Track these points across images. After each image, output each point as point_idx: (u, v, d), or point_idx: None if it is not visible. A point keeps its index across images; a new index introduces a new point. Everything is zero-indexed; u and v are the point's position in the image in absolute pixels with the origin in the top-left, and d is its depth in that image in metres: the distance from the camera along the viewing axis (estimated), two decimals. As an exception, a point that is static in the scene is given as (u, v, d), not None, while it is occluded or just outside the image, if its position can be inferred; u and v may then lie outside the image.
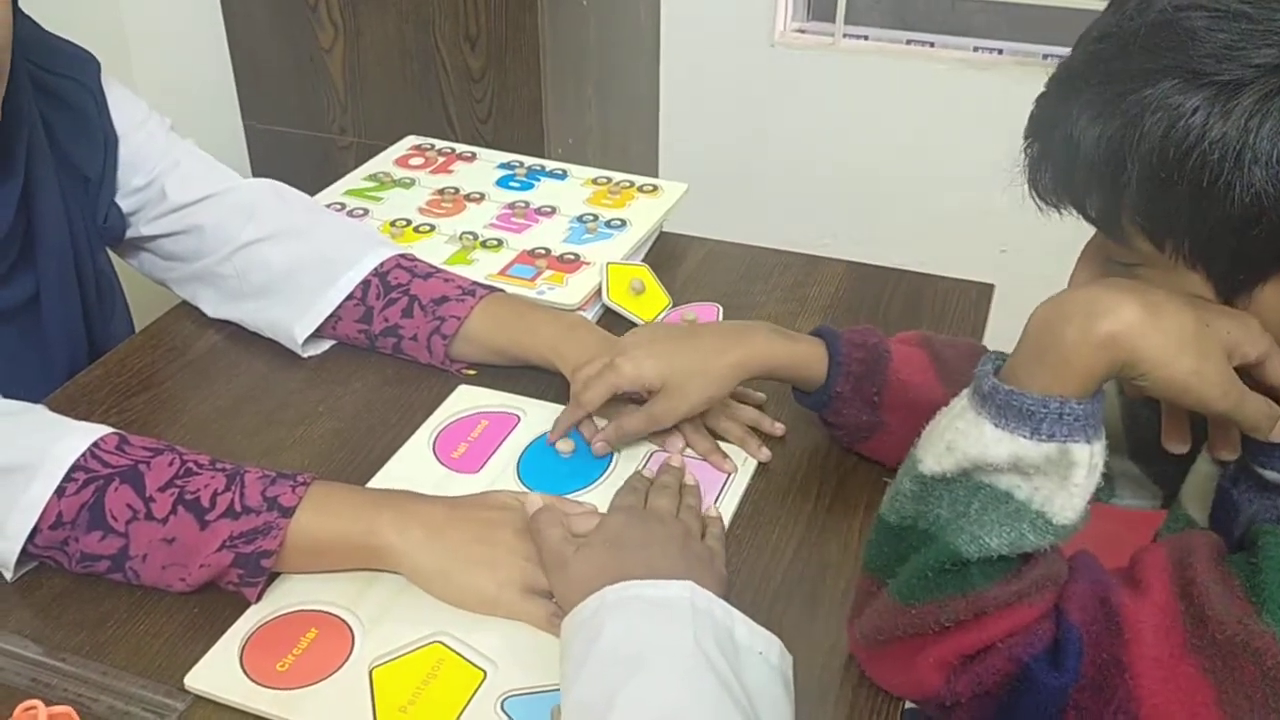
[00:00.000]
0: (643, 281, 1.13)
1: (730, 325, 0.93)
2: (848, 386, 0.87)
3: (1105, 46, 0.63)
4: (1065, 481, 0.62)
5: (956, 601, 0.63)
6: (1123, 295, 0.61)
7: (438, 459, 0.92)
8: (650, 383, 0.88)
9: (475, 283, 1.05)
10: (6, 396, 0.87)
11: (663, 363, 0.88)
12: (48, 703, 0.57)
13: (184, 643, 0.76)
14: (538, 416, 0.97)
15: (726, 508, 0.87)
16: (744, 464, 0.92)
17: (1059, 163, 0.65)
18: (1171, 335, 0.60)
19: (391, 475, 0.90)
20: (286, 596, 0.79)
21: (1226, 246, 0.61)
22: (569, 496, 0.87)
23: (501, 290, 1.06)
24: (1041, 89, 0.68)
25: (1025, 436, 0.61)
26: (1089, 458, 0.62)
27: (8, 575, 0.80)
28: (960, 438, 0.63)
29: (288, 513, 0.77)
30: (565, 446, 0.93)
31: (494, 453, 0.93)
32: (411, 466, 0.91)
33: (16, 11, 0.90)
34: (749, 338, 0.89)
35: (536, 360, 1.00)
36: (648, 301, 1.12)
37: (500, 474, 0.91)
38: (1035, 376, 0.62)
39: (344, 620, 0.77)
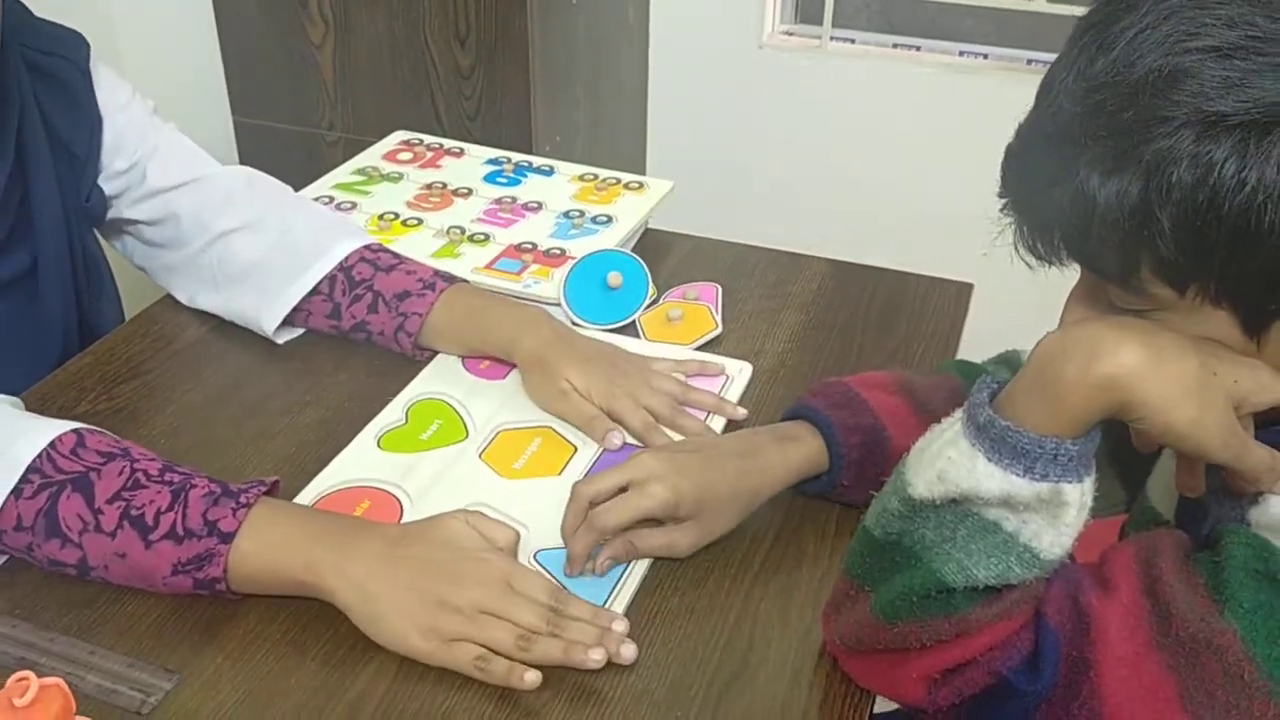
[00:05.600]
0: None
1: (739, 444, 0.85)
2: (850, 475, 0.84)
3: (1105, 98, 0.60)
4: (1055, 520, 0.62)
5: (940, 623, 0.64)
6: (1126, 336, 0.60)
7: (466, 371, 1.03)
8: (686, 512, 0.81)
9: (436, 273, 1.05)
10: (1, 373, 0.88)
11: (697, 491, 0.80)
12: (39, 675, 0.59)
13: (172, 623, 0.77)
14: None
15: None
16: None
17: (1068, 222, 0.62)
18: (1173, 382, 0.59)
19: (429, 378, 1.01)
20: (336, 475, 0.90)
21: (1260, 281, 0.60)
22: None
23: (464, 281, 1.07)
24: (1012, 144, 0.66)
25: (1018, 475, 0.61)
26: (1080, 496, 0.62)
27: None
28: (952, 468, 0.63)
29: (227, 539, 0.76)
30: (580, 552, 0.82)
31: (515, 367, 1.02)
32: (442, 378, 1.02)
33: None
34: (762, 458, 0.84)
35: (496, 352, 1.01)
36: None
37: (520, 384, 1.00)
38: (1031, 410, 0.61)
39: (393, 494, 0.88)
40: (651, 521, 0.82)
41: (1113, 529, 0.84)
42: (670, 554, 0.82)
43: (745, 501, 0.83)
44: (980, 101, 2.11)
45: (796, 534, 0.86)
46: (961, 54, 2.20)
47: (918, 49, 2.22)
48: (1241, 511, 0.65)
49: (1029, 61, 2.15)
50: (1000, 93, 2.09)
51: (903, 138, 2.21)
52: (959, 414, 0.65)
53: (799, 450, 0.85)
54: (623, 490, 0.81)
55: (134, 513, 0.77)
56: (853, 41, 2.24)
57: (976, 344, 1.11)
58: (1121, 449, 0.74)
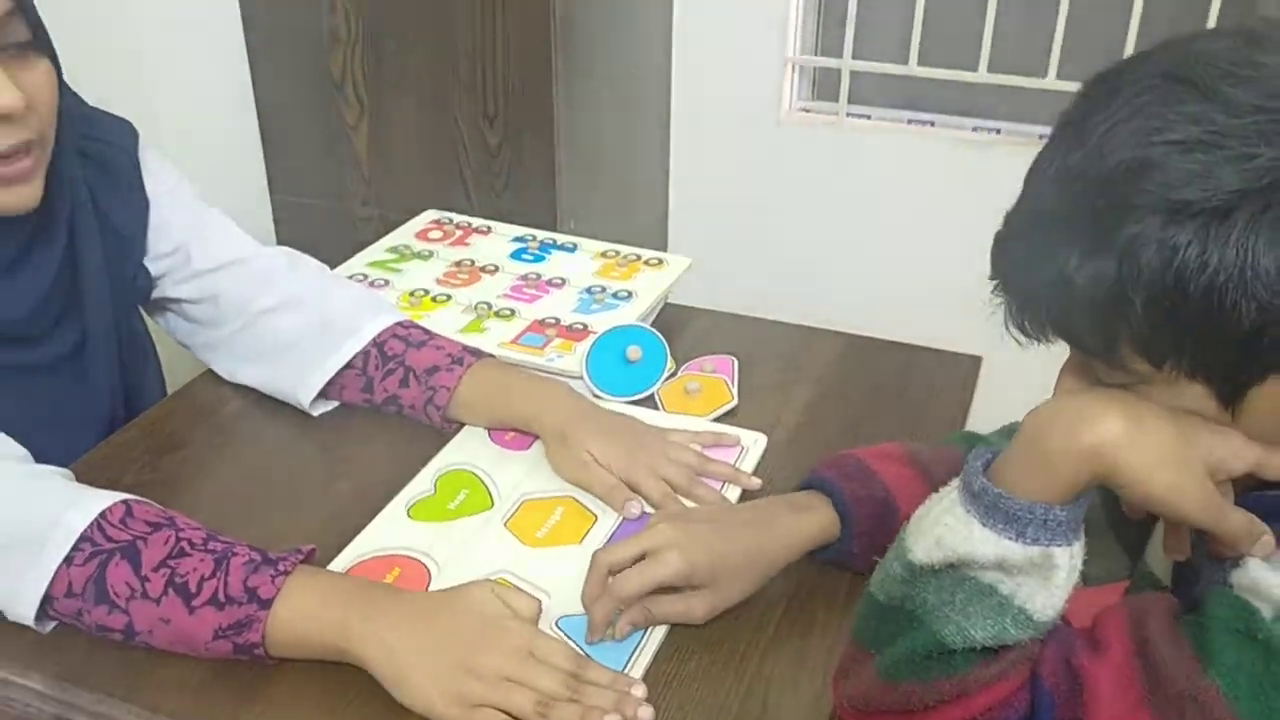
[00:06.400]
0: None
1: (754, 513, 0.90)
2: (861, 544, 0.88)
3: (1082, 186, 0.64)
4: (1047, 582, 0.65)
5: (941, 683, 0.67)
6: (1109, 408, 0.64)
7: (492, 442, 1.07)
8: (701, 580, 0.84)
9: (465, 348, 1.10)
10: (50, 445, 0.92)
11: (711, 560, 0.84)
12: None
13: (212, 685, 0.81)
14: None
15: None
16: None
17: (1051, 301, 0.66)
18: (1151, 450, 0.63)
19: (456, 449, 1.06)
20: (368, 544, 0.94)
21: (1230, 356, 0.63)
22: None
23: (490, 356, 1.11)
24: (1001, 230, 0.70)
25: (1011, 539, 0.65)
26: (1069, 559, 0.65)
27: (41, 631, 0.85)
28: (949, 534, 0.67)
29: (265, 605, 0.80)
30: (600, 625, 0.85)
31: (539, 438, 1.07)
32: (469, 449, 1.06)
33: (62, 85, 0.98)
34: (776, 527, 0.88)
35: (520, 425, 1.06)
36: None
37: (543, 455, 1.05)
38: (1023, 479, 0.65)
39: (422, 562, 0.92)
40: (669, 589, 0.85)
41: (1115, 594, 0.86)
42: (686, 620, 0.86)
43: (760, 569, 0.87)
44: (993, 175, 2.14)
45: (808, 602, 0.89)
46: (975, 129, 2.25)
47: (932, 124, 2.28)
48: (1224, 574, 0.68)
49: (1040, 136, 2.19)
50: (1012, 166, 2.12)
51: (918, 210, 2.25)
52: (955, 482, 0.69)
53: (812, 519, 0.88)
54: (640, 558, 0.84)
55: (178, 580, 0.81)
56: (869, 117, 2.30)
57: (989, 410, 1.14)
58: (1123, 519, 0.77)
